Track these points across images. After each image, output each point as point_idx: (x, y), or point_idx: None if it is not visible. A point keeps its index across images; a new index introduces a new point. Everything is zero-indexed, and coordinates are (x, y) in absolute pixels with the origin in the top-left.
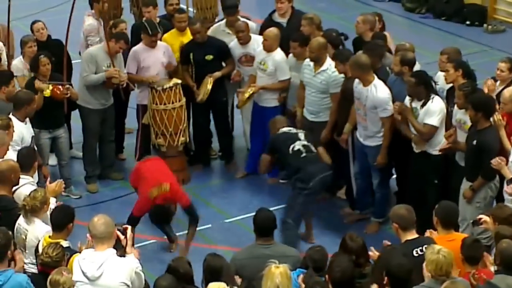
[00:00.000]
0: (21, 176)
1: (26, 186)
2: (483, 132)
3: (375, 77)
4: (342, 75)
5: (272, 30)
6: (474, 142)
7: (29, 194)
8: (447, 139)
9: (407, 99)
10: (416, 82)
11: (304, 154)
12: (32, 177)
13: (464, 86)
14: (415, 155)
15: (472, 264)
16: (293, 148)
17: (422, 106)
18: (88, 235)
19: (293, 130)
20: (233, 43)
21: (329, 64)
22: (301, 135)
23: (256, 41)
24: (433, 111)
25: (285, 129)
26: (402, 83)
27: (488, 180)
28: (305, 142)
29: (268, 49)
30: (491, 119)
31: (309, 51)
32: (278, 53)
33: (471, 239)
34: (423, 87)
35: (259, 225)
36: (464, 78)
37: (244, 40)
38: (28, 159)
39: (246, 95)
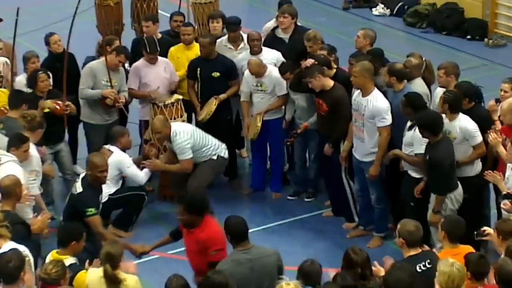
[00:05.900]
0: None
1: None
2: (434, 146)
3: (375, 88)
4: None
5: (255, 61)
6: (427, 157)
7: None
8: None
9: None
10: (405, 102)
11: None
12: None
13: (447, 92)
14: (400, 174)
15: (478, 280)
16: None
17: (410, 128)
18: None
19: None
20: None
21: None
22: None
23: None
24: (421, 139)
25: None
26: (392, 95)
27: (440, 194)
28: None
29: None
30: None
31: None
32: (273, 70)
33: (476, 255)
34: (411, 109)
35: (234, 232)
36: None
37: (258, 49)
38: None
39: (259, 124)
